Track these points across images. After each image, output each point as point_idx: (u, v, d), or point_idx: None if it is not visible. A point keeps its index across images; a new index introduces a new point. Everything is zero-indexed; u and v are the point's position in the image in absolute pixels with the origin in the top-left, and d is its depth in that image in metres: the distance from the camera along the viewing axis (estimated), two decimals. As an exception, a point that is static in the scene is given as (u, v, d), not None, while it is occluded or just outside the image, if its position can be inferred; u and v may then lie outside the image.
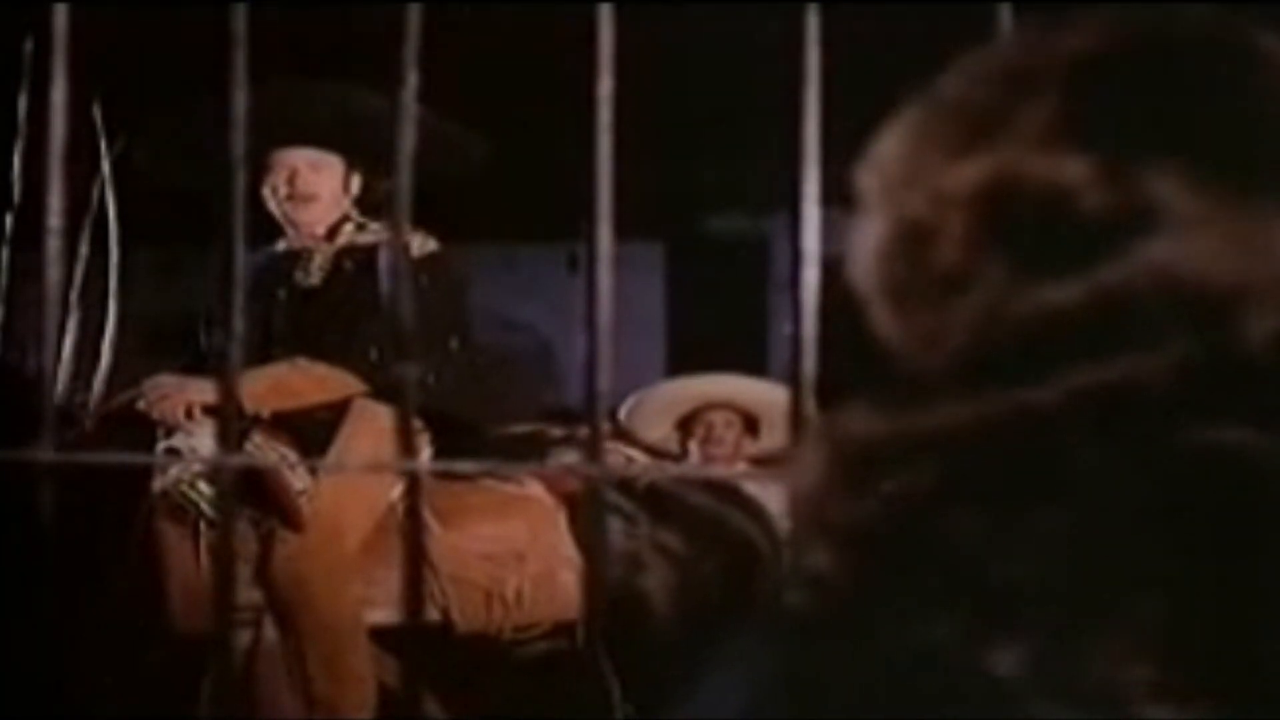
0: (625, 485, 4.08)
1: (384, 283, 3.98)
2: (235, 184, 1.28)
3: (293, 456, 3.88)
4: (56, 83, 1.26)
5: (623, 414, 5.13)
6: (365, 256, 4.11)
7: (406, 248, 1.28)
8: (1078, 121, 0.75)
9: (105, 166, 3.98)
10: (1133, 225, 0.73)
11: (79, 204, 3.90)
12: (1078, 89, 0.76)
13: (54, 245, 1.28)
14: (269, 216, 4.08)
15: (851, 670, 0.70)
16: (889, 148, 0.81)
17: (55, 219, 1.28)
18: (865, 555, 0.73)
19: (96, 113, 3.83)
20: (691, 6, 5.47)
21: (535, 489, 4.16)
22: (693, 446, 5.28)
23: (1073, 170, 0.73)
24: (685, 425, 5.31)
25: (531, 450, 4.30)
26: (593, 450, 1.25)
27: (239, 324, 1.26)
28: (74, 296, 3.92)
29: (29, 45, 3.68)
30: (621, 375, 1.32)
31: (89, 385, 3.96)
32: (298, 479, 3.86)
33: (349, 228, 4.17)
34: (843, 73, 1.31)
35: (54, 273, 1.29)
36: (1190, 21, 0.80)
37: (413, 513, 1.28)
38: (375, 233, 4.15)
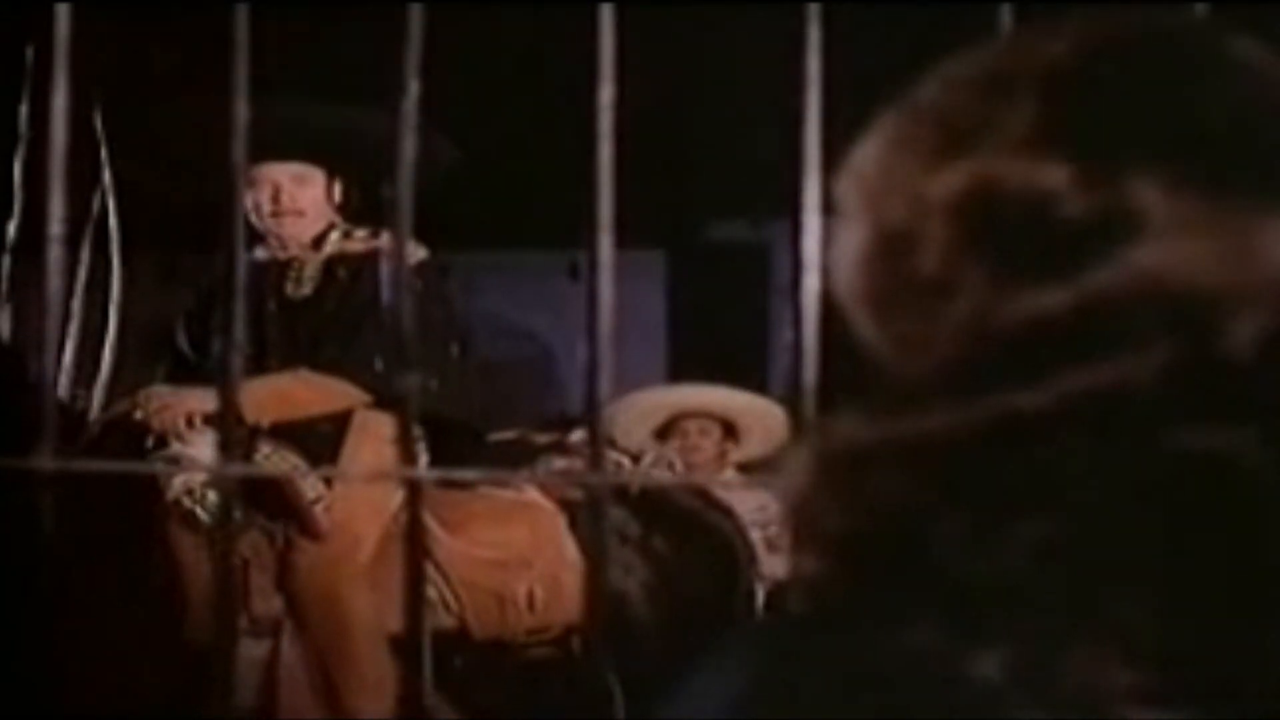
0: (617, 491, 4.10)
1: (380, 291, 3.98)
2: (236, 192, 1.28)
3: (304, 466, 3.88)
4: (57, 90, 1.26)
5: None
6: (356, 264, 4.11)
7: (402, 256, 1.28)
8: (1057, 127, 0.75)
9: (106, 174, 3.98)
10: (1115, 230, 0.73)
11: (80, 211, 3.90)
12: (1056, 94, 0.76)
13: (55, 253, 1.28)
14: (247, 226, 4.04)
15: (837, 675, 0.70)
16: (867, 155, 0.81)
17: (56, 226, 1.28)
18: (853, 561, 0.73)
19: (97, 120, 3.83)
20: (692, 14, 5.47)
21: (534, 495, 4.18)
22: (672, 455, 5.32)
23: (1053, 175, 0.73)
24: (663, 434, 5.36)
25: (519, 457, 4.32)
26: (594, 457, 1.25)
27: (239, 332, 1.26)
28: (75, 304, 3.92)
29: (30, 53, 3.68)
30: (623, 383, 1.32)
31: (90, 392, 3.96)
32: (309, 488, 3.86)
33: (335, 236, 4.16)
34: (844, 80, 1.31)
35: (55, 280, 1.29)
36: (1167, 26, 0.80)
37: (415, 521, 1.28)
38: (363, 240, 4.15)
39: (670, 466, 4.91)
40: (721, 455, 5.38)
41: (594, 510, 1.28)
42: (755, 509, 4.67)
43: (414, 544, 1.26)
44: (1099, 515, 0.69)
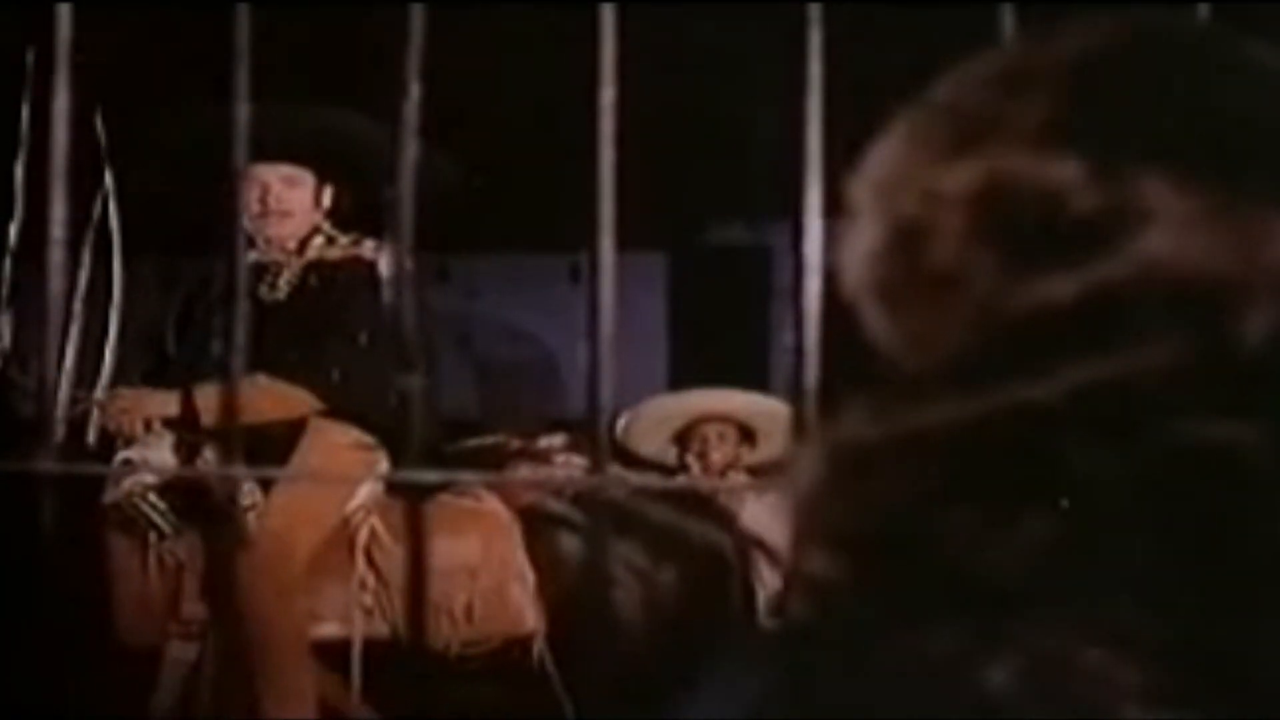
0: (583, 500, 4.12)
1: (348, 300, 4.00)
2: (236, 194, 1.28)
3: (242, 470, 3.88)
4: (58, 93, 1.26)
5: (618, 431, 5.18)
6: (330, 272, 4.11)
7: (403, 261, 1.28)
8: (1069, 123, 0.75)
9: (108, 177, 3.98)
10: (1125, 224, 0.73)
11: (81, 215, 3.90)
12: (1069, 92, 0.77)
13: (57, 256, 1.28)
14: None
15: (848, 677, 0.70)
16: (882, 154, 0.81)
17: (58, 229, 1.28)
18: (862, 560, 0.73)
19: (99, 123, 3.83)
20: (693, 16, 5.47)
21: (492, 503, 4.17)
22: (690, 459, 5.36)
23: (1064, 170, 0.74)
24: (682, 439, 5.39)
25: (490, 463, 4.31)
26: (595, 462, 1.25)
27: (240, 335, 1.26)
28: (77, 307, 3.92)
29: (30, 55, 3.68)
30: (624, 385, 1.32)
31: (90, 395, 3.96)
32: (244, 494, 3.84)
33: (318, 241, 4.17)
34: (845, 82, 1.31)
35: (57, 283, 1.29)
36: (1177, 26, 0.80)
37: (417, 526, 1.27)
38: (343, 248, 4.16)
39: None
40: (737, 460, 5.41)
41: (595, 515, 1.28)
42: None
43: (415, 549, 1.26)
44: (1108, 508, 0.69)
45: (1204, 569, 0.68)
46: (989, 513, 0.70)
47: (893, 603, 0.71)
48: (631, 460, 5.17)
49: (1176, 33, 0.80)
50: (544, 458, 4.52)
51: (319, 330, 4.01)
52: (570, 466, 4.44)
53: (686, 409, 5.46)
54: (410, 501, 1.25)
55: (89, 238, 3.94)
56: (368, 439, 3.99)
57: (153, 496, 3.84)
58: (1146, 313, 0.72)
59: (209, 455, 3.83)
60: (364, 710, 3.93)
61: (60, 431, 3.81)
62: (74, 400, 3.89)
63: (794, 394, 1.26)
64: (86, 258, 3.95)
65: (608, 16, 1.22)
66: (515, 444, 4.56)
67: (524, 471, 4.38)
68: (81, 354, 3.94)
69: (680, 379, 8.00)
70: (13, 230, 3.92)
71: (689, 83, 6.13)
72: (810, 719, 0.70)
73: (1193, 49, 0.79)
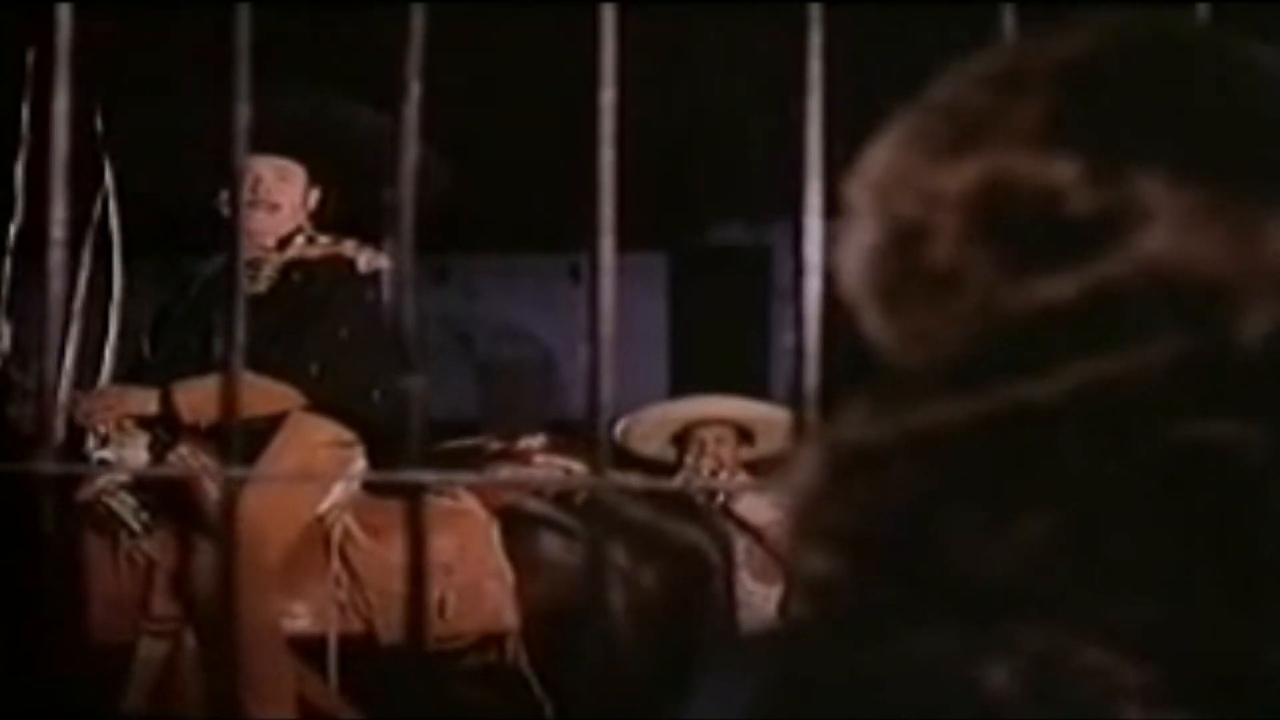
0: (563, 500, 4.14)
1: (329, 296, 4.00)
2: (237, 193, 1.28)
3: (214, 466, 3.89)
4: (59, 93, 1.26)
5: (616, 434, 5.20)
6: (311, 269, 4.11)
7: (404, 262, 1.28)
8: (1066, 123, 0.76)
9: (108, 177, 3.98)
10: (1123, 223, 0.73)
11: (81, 215, 3.90)
12: (1066, 91, 0.77)
13: (57, 256, 1.28)
14: (220, 221, 4.00)
15: (846, 676, 0.70)
16: (880, 154, 0.81)
17: (58, 230, 1.28)
18: (862, 560, 0.73)
19: (99, 123, 3.83)
20: (695, 17, 5.47)
21: (470, 502, 4.17)
22: (688, 461, 5.39)
23: (1062, 170, 0.74)
24: (680, 442, 5.41)
25: (469, 464, 4.31)
26: (595, 462, 1.25)
27: (240, 333, 1.26)
28: (76, 307, 3.92)
29: (31, 55, 3.68)
30: (624, 385, 1.32)
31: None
32: (215, 489, 3.83)
33: (300, 240, 4.16)
34: (845, 84, 1.31)
35: (57, 283, 1.29)
36: (1176, 27, 0.81)
37: (416, 526, 1.27)
38: (324, 246, 4.15)
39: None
40: (734, 459, 5.43)
41: (597, 515, 1.28)
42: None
43: (414, 549, 1.26)
44: (1106, 507, 0.69)
45: (1202, 567, 0.68)
46: (988, 512, 0.70)
47: (891, 602, 0.71)
48: (629, 461, 5.18)
49: (1172, 33, 0.80)
50: (524, 459, 4.53)
51: (299, 325, 4.01)
52: (551, 467, 4.44)
53: (683, 414, 5.48)
54: (412, 504, 1.25)
55: (89, 238, 3.94)
56: (345, 435, 4.00)
57: (123, 494, 3.85)
58: (1145, 312, 0.72)
59: (182, 451, 3.85)
60: (342, 707, 3.94)
61: (62, 433, 3.83)
62: (74, 401, 3.89)
63: (794, 394, 1.26)
64: (86, 258, 3.95)
65: (608, 16, 1.22)
66: (495, 445, 4.56)
67: (505, 473, 4.38)
68: (81, 354, 3.94)
69: (680, 379, 8.01)
70: (12, 230, 3.92)
71: (689, 83, 6.13)
72: (807, 719, 0.70)
73: (1189, 49, 0.79)
